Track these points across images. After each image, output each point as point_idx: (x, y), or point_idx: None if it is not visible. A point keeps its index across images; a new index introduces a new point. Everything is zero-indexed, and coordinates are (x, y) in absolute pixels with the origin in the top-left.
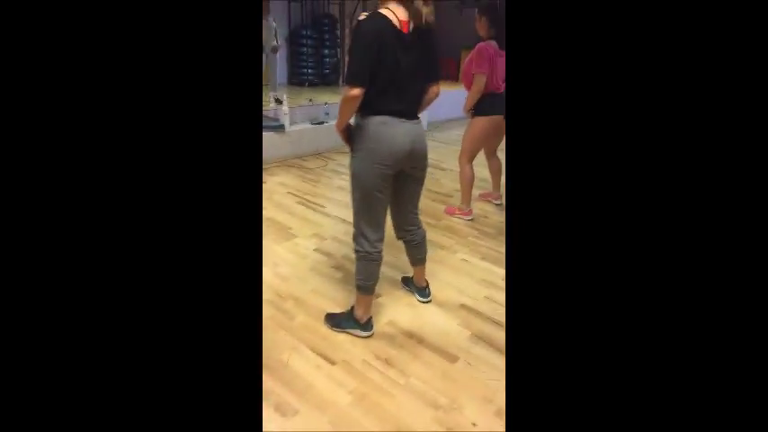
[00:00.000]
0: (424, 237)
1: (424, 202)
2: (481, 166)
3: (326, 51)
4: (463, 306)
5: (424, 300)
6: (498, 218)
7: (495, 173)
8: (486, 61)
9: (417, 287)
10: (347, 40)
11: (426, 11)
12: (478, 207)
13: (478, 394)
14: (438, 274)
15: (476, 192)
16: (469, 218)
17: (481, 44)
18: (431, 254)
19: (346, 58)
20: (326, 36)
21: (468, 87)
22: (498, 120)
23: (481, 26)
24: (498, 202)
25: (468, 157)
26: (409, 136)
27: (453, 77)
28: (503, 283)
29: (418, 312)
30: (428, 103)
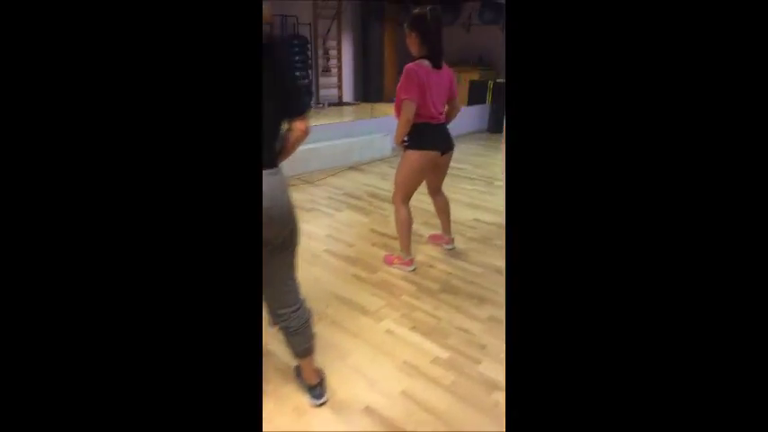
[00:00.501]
0: (307, 320)
1: (362, 247)
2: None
3: (297, 73)
4: (368, 410)
5: (316, 403)
6: (445, 267)
7: (441, 212)
8: (415, 85)
9: (307, 385)
10: (320, 62)
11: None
12: (426, 253)
13: None
14: (349, 355)
15: (427, 231)
16: (410, 268)
17: (409, 65)
18: (349, 323)
19: (320, 80)
20: (297, 58)
21: (398, 116)
22: (433, 156)
23: (412, 42)
24: (450, 246)
25: (401, 196)
26: (265, 196)
27: None
28: (429, 369)
29: (302, 423)
30: (294, 145)
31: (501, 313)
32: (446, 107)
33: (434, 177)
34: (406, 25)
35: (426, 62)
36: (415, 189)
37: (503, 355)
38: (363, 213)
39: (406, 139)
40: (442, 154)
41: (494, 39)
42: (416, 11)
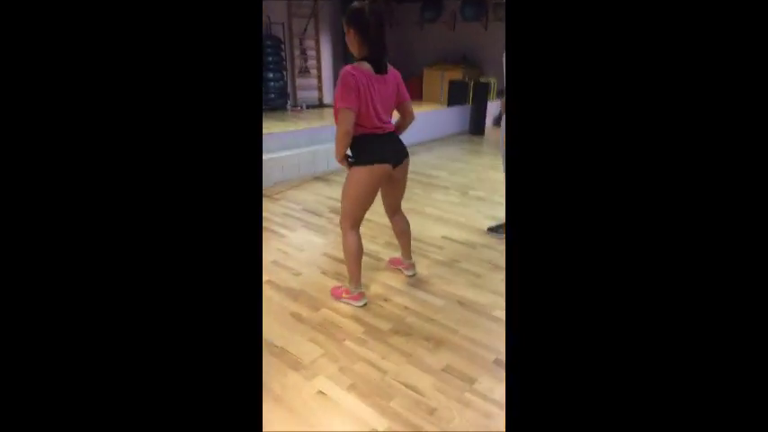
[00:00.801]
0: None
1: (310, 276)
2: (413, 214)
3: (270, 75)
4: None
5: None
6: (402, 300)
7: (401, 234)
8: (353, 92)
9: None
10: (296, 62)
11: None
12: (382, 281)
13: None
14: (266, 425)
15: (388, 254)
16: (359, 303)
17: (346, 68)
18: (275, 381)
19: (297, 81)
20: (270, 59)
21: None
22: (384, 170)
23: (351, 41)
24: (411, 273)
25: (349, 221)
26: None
27: (416, 97)
28: None
29: None
30: None
31: (458, 361)
32: (394, 115)
33: (390, 194)
34: (343, 21)
35: (367, 65)
36: (364, 212)
37: (454, 423)
38: (320, 233)
39: (349, 155)
40: (395, 166)
41: (478, 36)
42: (355, 4)
